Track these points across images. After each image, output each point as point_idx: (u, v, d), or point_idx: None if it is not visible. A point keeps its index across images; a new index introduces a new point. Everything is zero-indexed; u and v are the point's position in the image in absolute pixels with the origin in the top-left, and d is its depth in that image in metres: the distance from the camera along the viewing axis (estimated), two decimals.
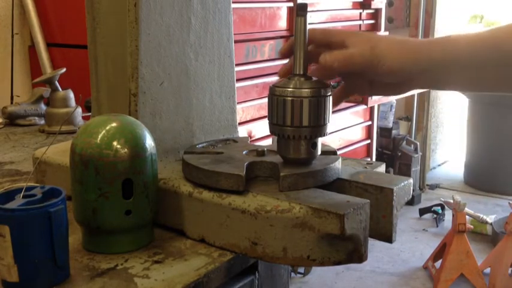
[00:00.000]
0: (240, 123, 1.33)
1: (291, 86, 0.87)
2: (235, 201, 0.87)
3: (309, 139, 0.89)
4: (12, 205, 0.77)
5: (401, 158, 4.36)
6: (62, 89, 1.75)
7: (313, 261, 0.83)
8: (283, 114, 0.87)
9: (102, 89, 1.10)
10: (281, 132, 0.89)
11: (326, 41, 0.88)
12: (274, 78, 2.94)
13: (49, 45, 2.69)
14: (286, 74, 0.90)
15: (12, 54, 2.59)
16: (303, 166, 0.90)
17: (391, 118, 4.41)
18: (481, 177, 4.70)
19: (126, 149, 0.85)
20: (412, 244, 3.70)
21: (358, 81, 0.89)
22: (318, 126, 0.88)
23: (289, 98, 0.87)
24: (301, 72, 0.88)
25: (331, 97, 0.89)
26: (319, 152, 0.92)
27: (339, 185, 0.92)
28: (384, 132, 4.39)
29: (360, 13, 3.66)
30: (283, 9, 2.98)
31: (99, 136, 0.85)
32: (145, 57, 1.00)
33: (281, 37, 2.99)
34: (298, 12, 0.87)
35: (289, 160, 0.91)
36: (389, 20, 4.56)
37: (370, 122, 3.91)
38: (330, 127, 0.91)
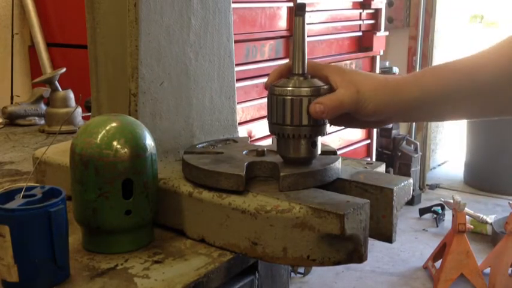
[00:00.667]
0: (240, 123, 1.33)
1: (290, 85, 0.87)
2: (235, 201, 0.87)
3: (309, 138, 0.89)
4: (12, 205, 0.77)
5: (401, 158, 4.35)
6: (62, 89, 1.75)
7: (313, 261, 0.83)
8: (282, 113, 0.87)
9: (102, 89, 1.10)
10: (281, 131, 0.89)
11: (311, 74, 0.89)
12: None
13: (49, 45, 2.69)
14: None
15: (12, 54, 2.59)
16: (303, 166, 0.90)
17: None
18: (481, 177, 4.70)
19: (126, 149, 0.85)
20: (412, 244, 3.70)
21: (341, 117, 0.89)
22: (318, 125, 0.88)
23: (289, 97, 0.87)
24: (301, 72, 0.88)
25: None
26: (319, 151, 0.92)
27: (339, 185, 0.92)
28: (384, 132, 4.39)
29: (360, 13, 3.66)
30: (283, 9, 2.98)
31: (99, 136, 0.85)
32: (145, 57, 1.00)
33: (281, 37, 2.99)
34: (297, 12, 0.87)
35: (289, 160, 0.91)
36: (389, 20, 4.56)
37: None
38: (329, 126, 0.91)
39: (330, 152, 0.97)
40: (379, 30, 3.79)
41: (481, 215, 3.70)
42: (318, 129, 0.88)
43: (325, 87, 0.87)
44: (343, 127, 0.95)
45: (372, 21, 3.76)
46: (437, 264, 3.25)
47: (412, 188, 0.94)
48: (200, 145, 1.05)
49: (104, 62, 1.09)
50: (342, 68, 0.90)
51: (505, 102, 0.83)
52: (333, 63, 0.96)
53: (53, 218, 0.77)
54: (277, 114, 0.88)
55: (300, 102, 0.86)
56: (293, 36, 0.88)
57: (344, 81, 0.86)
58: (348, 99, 0.85)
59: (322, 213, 0.80)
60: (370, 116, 0.86)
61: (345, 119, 0.89)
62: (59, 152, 1.12)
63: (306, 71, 0.89)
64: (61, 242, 0.79)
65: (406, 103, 0.85)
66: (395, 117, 0.89)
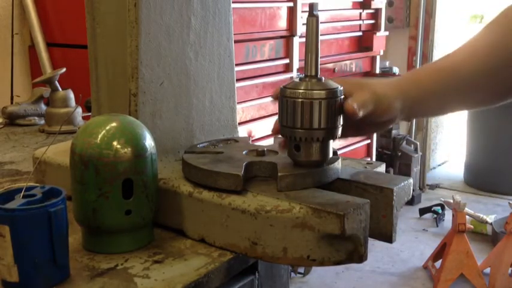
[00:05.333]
0: (240, 123, 1.33)
1: (302, 88, 0.86)
2: (235, 201, 0.87)
3: (321, 141, 0.88)
4: (12, 205, 0.77)
5: (401, 158, 4.35)
6: (62, 89, 1.75)
7: (313, 261, 0.83)
8: (293, 117, 0.86)
9: (102, 89, 1.10)
10: (292, 134, 0.87)
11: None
12: (274, 78, 2.95)
13: (49, 45, 2.69)
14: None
15: (12, 54, 2.59)
16: (304, 168, 0.90)
17: None
18: (481, 177, 4.70)
19: (126, 149, 0.85)
20: (412, 244, 3.70)
21: (349, 126, 0.91)
22: (330, 129, 0.87)
23: (300, 100, 0.85)
24: (313, 74, 0.87)
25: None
26: (330, 155, 0.91)
27: (339, 185, 0.92)
28: (384, 132, 4.38)
29: (360, 13, 3.67)
30: (283, 9, 2.98)
31: (99, 136, 0.85)
32: (145, 57, 1.00)
33: (281, 37, 2.99)
34: (310, 13, 0.86)
35: (301, 163, 0.90)
36: (389, 20, 4.56)
37: None
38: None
39: None
40: (379, 30, 3.79)
41: (481, 215, 3.70)
42: (330, 132, 0.87)
43: (341, 88, 0.87)
44: (350, 136, 0.97)
45: (372, 21, 3.76)
46: (437, 264, 3.25)
47: (412, 188, 0.93)
48: (201, 145, 1.05)
49: (103, 62, 1.09)
50: (353, 78, 0.93)
51: (481, 94, 0.95)
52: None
53: (53, 218, 0.77)
54: (288, 118, 0.87)
55: (310, 104, 0.85)
56: (306, 38, 0.87)
57: (358, 87, 0.90)
58: (369, 99, 0.88)
59: (322, 213, 0.80)
60: (385, 113, 0.90)
61: (352, 128, 0.92)
62: (59, 152, 1.12)
63: (318, 73, 0.87)
64: (61, 242, 0.79)
65: (410, 99, 0.93)
66: (402, 114, 0.93)
